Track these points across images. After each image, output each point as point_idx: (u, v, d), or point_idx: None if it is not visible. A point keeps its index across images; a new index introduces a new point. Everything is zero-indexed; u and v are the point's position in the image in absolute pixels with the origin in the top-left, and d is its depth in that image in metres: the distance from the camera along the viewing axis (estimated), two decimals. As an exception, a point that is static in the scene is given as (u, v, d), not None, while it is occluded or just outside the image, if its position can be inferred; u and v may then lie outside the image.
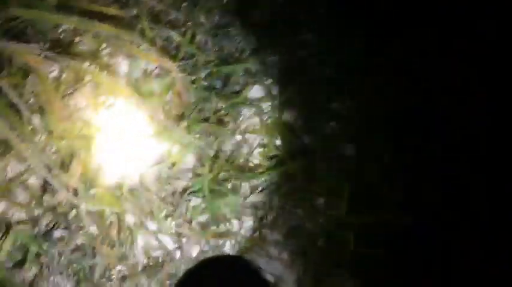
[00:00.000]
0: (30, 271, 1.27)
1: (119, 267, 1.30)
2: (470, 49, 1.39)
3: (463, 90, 1.39)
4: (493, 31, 1.39)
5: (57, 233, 1.30)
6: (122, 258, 1.30)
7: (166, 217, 1.33)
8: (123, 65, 1.41)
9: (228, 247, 1.33)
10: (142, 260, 1.31)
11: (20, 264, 1.27)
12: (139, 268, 1.31)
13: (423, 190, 1.30)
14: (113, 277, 1.29)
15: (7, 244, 1.26)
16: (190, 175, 1.36)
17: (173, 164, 1.36)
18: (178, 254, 1.32)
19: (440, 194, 1.29)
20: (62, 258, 1.28)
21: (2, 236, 1.27)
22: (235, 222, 1.34)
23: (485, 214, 1.27)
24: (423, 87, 1.40)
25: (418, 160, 1.33)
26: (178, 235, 1.32)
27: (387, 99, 1.40)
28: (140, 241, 1.31)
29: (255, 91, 1.43)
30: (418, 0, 1.42)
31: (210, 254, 1.32)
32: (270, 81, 1.43)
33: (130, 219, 1.31)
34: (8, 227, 1.28)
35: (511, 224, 1.25)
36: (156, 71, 1.41)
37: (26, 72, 1.32)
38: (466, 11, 1.39)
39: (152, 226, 1.32)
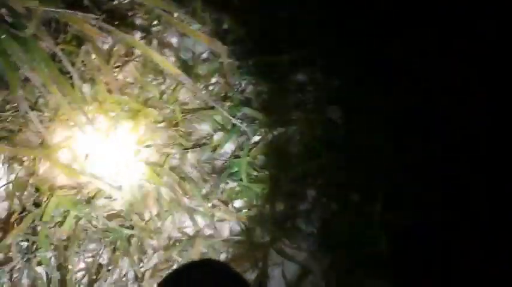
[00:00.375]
0: (68, 233, 1.30)
1: (153, 240, 1.32)
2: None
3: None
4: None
5: (98, 201, 1.32)
6: (157, 231, 1.32)
7: (203, 196, 1.34)
8: (173, 42, 1.43)
9: (259, 232, 1.33)
10: (176, 235, 1.33)
11: (59, 225, 1.30)
12: (172, 243, 1.33)
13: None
14: (147, 249, 1.31)
15: (50, 207, 1.28)
16: (229, 157, 1.38)
17: (215, 147, 1.38)
18: (210, 232, 1.34)
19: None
20: (100, 225, 1.30)
21: (46, 199, 1.29)
22: (268, 208, 1.35)
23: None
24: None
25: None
26: (212, 215, 1.34)
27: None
28: (175, 216, 1.33)
29: (300, 81, 1.44)
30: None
31: (239, 238, 1.33)
32: (315, 72, 1.44)
33: (168, 195, 1.33)
34: (52, 190, 1.30)
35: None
36: (205, 52, 1.44)
37: (80, 41, 1.35)
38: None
39: (188, 203, 1.34)
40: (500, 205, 1.28)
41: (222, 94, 1.41)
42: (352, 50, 1.44)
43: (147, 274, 1.30)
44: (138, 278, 1.30)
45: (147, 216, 1.33)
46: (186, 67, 1.41)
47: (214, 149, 1.38)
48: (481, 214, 1.27)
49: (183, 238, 1.33)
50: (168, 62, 1.31)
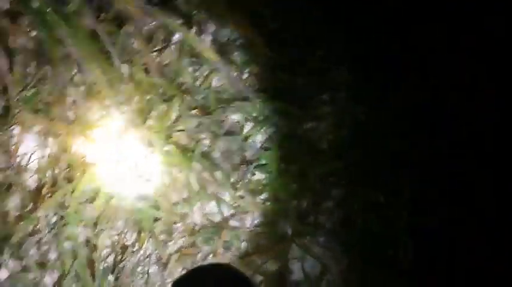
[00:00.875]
0: (98, 211, 1.33)
1: (178, 224, 1.35)
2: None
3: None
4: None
5: (128, 181, 1.35)
6: (183, 216, 1.35)
7: (230, 185, 1.37)
8: (211, 29, 1.42)
9: (281, 225, 1.36)
10: (201, 222, 1.36)
11: (90, 201, 1.34)
12: (198, 229, 1.36)
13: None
14: (173, 233, 1.35)
15: (82, 183, 1.32)
16: (259, 149, 1.40)
17: (246, 137, 1.40)
18: (234, 222, 1.37)
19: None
20: (129, 205, 1.33)
21: (79, 174, 1.33)
22: (293, 202, 1.37)
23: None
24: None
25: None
26: (238, 205, 1.36)
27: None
28: (202, 203, 1.37)
29: (333, 78, 1.44)
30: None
31: (260, 229, 1.36)
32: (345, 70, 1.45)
33: (195, 181, 1.36)
34: (84, 166, 1.34)
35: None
36: (241, 41, 1.43)
37: (121, 21, 1.36)
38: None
39: (215, 191, 1.37)
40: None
41: (256, 85, 1.42)
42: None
43: (173, 258, 1.33)
44: (162, 261, 1.34)
45: (174, 200, 1.36)
46: (223, 55, 1.41)
47: (245, 139, 1.40)
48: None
49: (209, 225, 1.36)
50: (206, 48, 1.34)
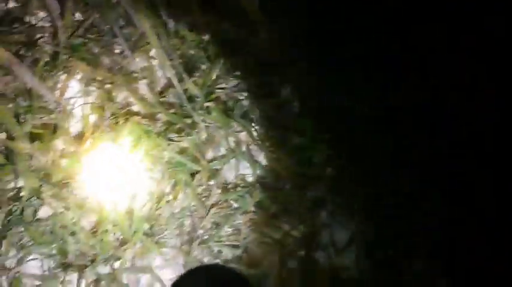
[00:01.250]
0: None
1: (212, 182, 1.39)
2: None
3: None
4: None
5: (169, 134, 1.38)
6: (216, 173, 1.39)
7: (265, 146, 1.40)
8: None
9: (312, 190, 1.39)
10: (234, 181, 1.41)
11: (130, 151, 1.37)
12: (231, 187, 1.40)
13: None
14: (210, 189, 1.39)
15: (124, 132, 1.36)
16: (295, 113, 1.42)
17: (283, 101, 1.42)
18: (267, 184, 1.39)
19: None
20: (167, 157, 1.36)
21: (122, 123, 1.37)
22: (326, 170, 1.39)
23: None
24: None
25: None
26: (271, 166, 1.39)
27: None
28: (236, 162, 1.40)
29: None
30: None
31: (292, 192, 1.38)
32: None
33: (232, 138, 1.40)
34: (127, 115, 1.37)
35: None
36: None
37: None
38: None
39: (250, 151, 1.40)
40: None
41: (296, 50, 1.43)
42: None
43: (212, 211, 1.37)
44: (196, 213, 1.38)
45: (210, 156, 1.40)
46: (268, 17, 1.43)
47: (282, 103, 1.42)
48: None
49: (242, 185, 1.39)
50: (253, 8, 1.37)
